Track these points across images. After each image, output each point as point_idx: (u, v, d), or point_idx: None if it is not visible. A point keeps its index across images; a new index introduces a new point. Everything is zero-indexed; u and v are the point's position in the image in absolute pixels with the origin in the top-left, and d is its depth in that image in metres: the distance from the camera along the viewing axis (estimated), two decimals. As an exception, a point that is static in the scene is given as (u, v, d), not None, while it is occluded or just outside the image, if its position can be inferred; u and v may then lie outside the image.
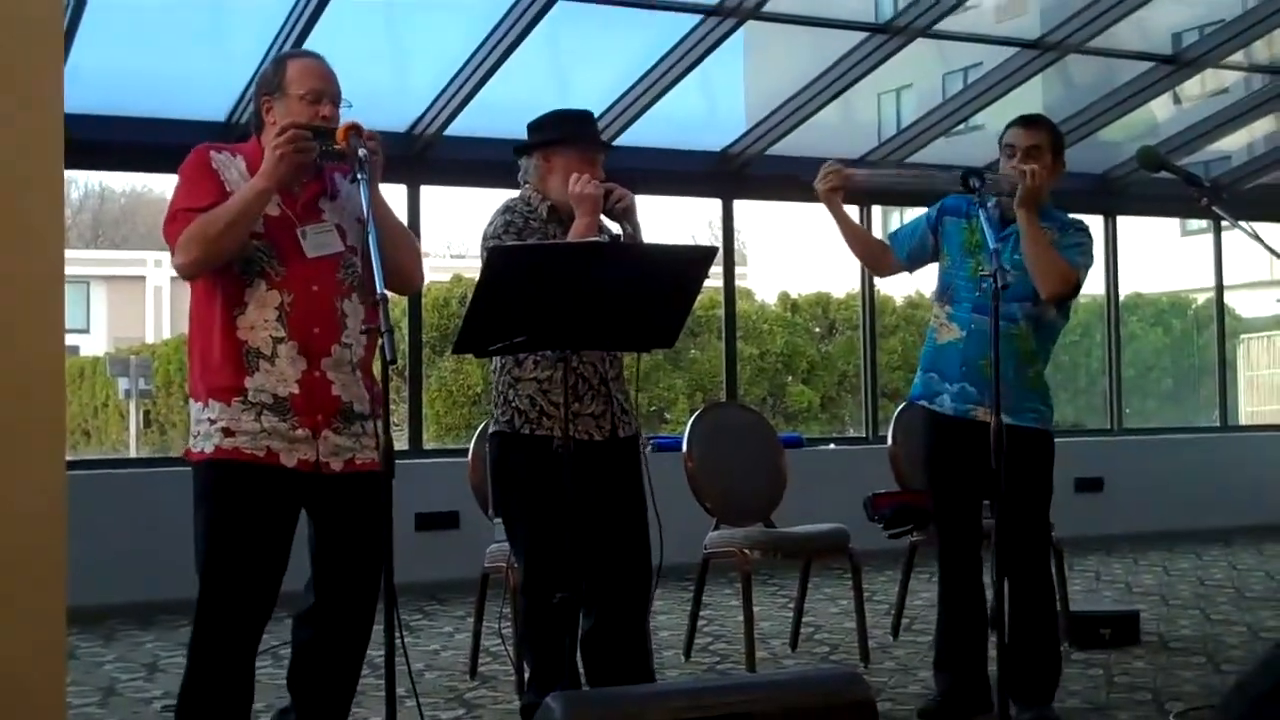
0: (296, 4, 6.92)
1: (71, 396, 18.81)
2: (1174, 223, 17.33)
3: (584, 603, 4.33)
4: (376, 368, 3.67)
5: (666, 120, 8.42)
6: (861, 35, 8.20)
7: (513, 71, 7.63)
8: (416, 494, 7.39)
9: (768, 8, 7.68)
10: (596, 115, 5.16)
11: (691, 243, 9.38)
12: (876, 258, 5.14)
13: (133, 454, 17.61)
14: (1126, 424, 10.86)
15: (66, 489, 3.01)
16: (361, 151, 3.54)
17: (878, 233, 9.72)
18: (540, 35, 7.45)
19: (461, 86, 7.75)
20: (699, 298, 4.23)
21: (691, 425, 6.19)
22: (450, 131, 8.12)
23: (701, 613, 6.11)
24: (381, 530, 3.35)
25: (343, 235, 3.76)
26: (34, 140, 3.00)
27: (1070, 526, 6.40)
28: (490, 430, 4.49)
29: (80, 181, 34.88)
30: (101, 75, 7.08)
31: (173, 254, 3.65)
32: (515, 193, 4.52)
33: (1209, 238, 11.28)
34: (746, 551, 5.68)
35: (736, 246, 9.90)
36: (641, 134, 8.40)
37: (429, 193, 8.43)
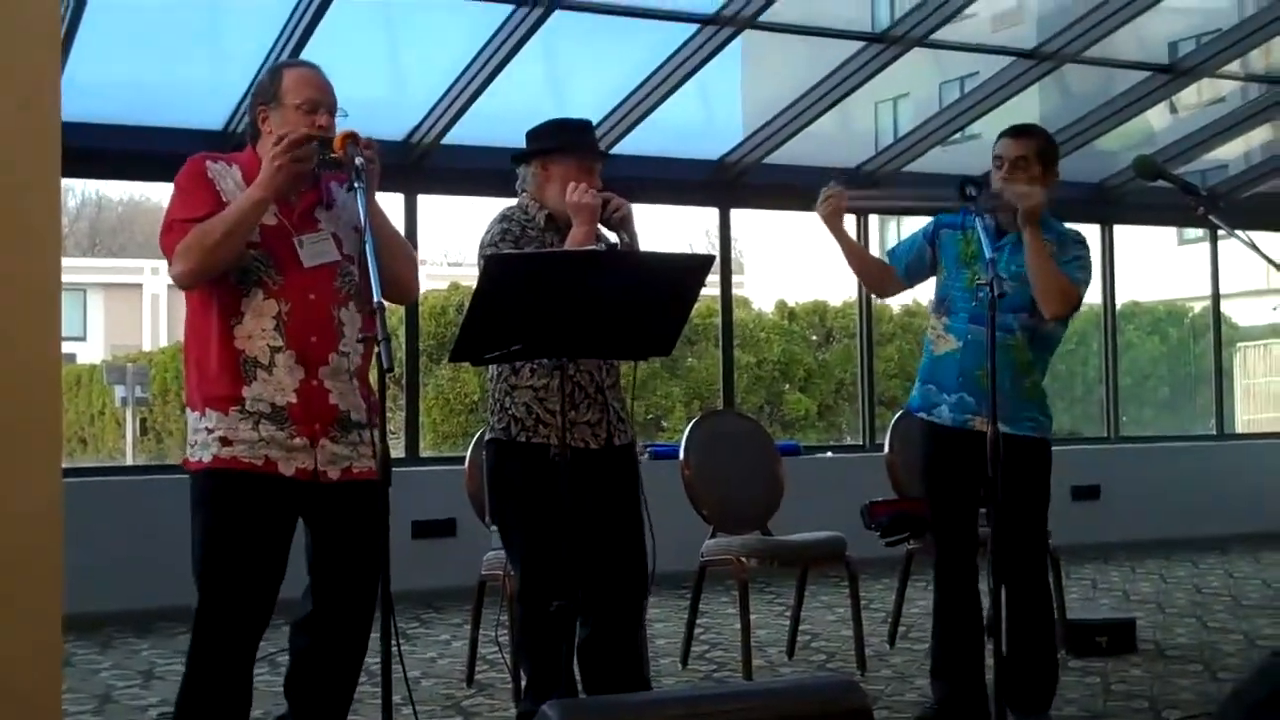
0: (293, 13, 6.93)
1: (68, 404, 18.81)
2: (1171, 232, 17.38)
3: (580, 611, 4.33)
4: (373, 376, 3.67)
5: (663, 129, 8.43)
6: (858, 45, 8.22)
7: (510, 81, 7.65)
8: (413, 502, 7.39)
9: (765, 17, 7.70)
10: (594, 124, 5.16)
11: (688, 251, 9.39)
12: (879, 278, 5.11)
13: (129, 461, 17.61)
14: (1123, 432, 10.88)
15: (63, 496, 3.02)
16: (359, 160, 3.54)
17: (874, 243, 9.76)
18: (537, 44, 7.46)
19: (459, 95, 7.76)
20: (696, 306, 4.23)
21: (688, 433, 6.19)
22: (447, 140, 8.13)
23: (698, 620, 6.11)
24: (379, 538, 3.35)
25: (339, 244, 3.76)
26: (31, 148, 3.01)
27: (1067, 535, 6.40)
28: (486, 438, 4.49)
29: (78, 190, 34.94)
30: (99, 84, 7.09)
31: (170, 264, 3.65)
32: (512, 201, 4.53)
33: (1205, 246, 11.29)
34: (743, 559, 5.68)
35: (733, 255, 9.92)
36: (639, 143, 8.41)
37: (426, 201, 8.44)
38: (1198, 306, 15.96)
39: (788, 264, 23.48)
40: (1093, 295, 10.09)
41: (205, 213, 3.60)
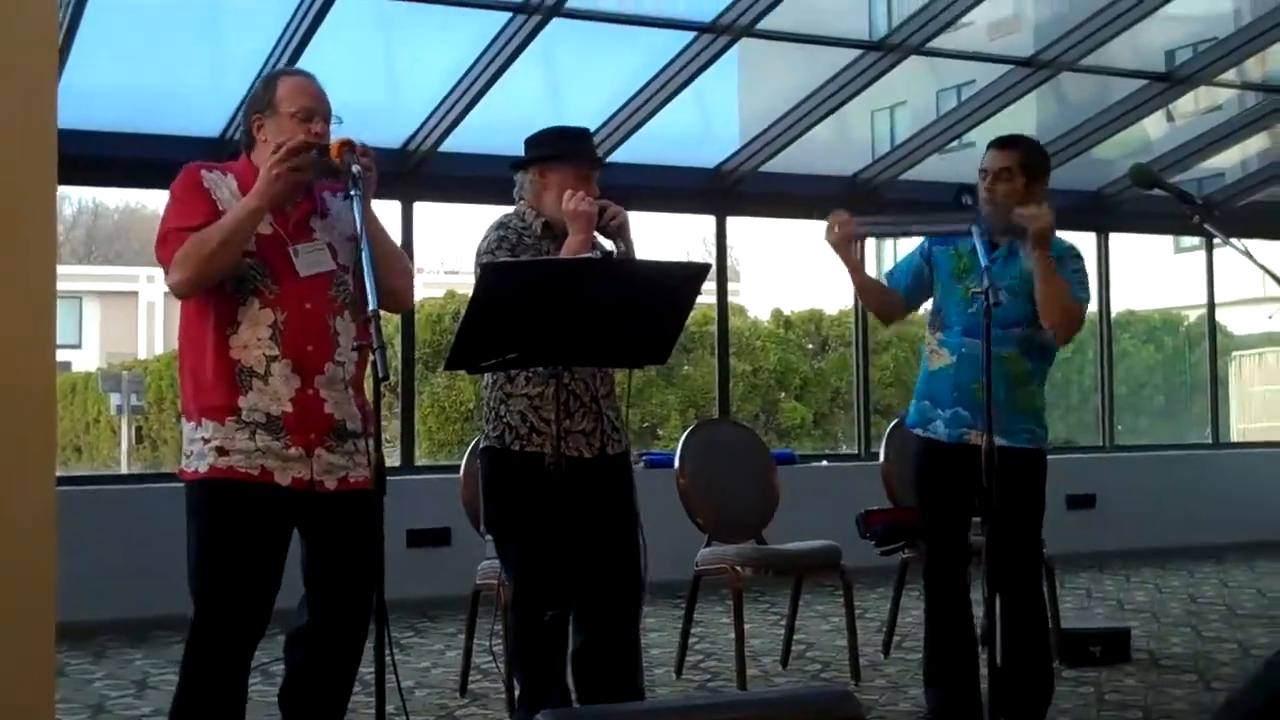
0: (291, 21, 6.93)
1: (63, 412, 18.78)
2: (1167, 240, 17.36)
3: (575, 620, 4.33)
4: (368, 385, 3.66)
5: (660, 137, 8.44)
6: (855, 53, 8.23)
7: (507, 88, 7.65)
8: (408, 510, 7.38)
9: (761, 25, 7.70)
10: (591, 131, 5.16)
11: (685, 259, 9.40)
12: (885, 304, 5.04)
13: (124, 470, 17.58)
14: (1118, 441, 10.88)
15: (56, 505, 3.01)
16: (355, 168, 3.54)
17: (870, 261, 9.76)
18: (534, 52, 7.46)
19: (455, 103, 7.76)
20: (692, 314, 4.24)
21: (684, 442, 6.19)
22: (444, 148, 8.13)
23: (693, 630, 6.10)
24: (374, 548, 3.34)
25: (334, 254, 3.75)
26: (27, 155, 3.01)
27: (1062, 543, 6.40)
28: (481, 446, 4.49)
29: (74, 197, 34.87)
30: (96, 91, 7.08)
31: (166, 273, 3.64)
32: (509, 209, 4.53)
33: (1201, 255, 11.31)
34: (738, 568, 5.67)
35: (729, 263, 9.91)
36: (635, 150, 8.42)
37: (423, 209, 8.44)
38: (1193, 315, 15.96)
39: (784, 272, 23.47)
40: (1089, 303, 10.13)
41: (201, 221, 3.60)
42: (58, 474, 3.16)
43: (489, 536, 4.57)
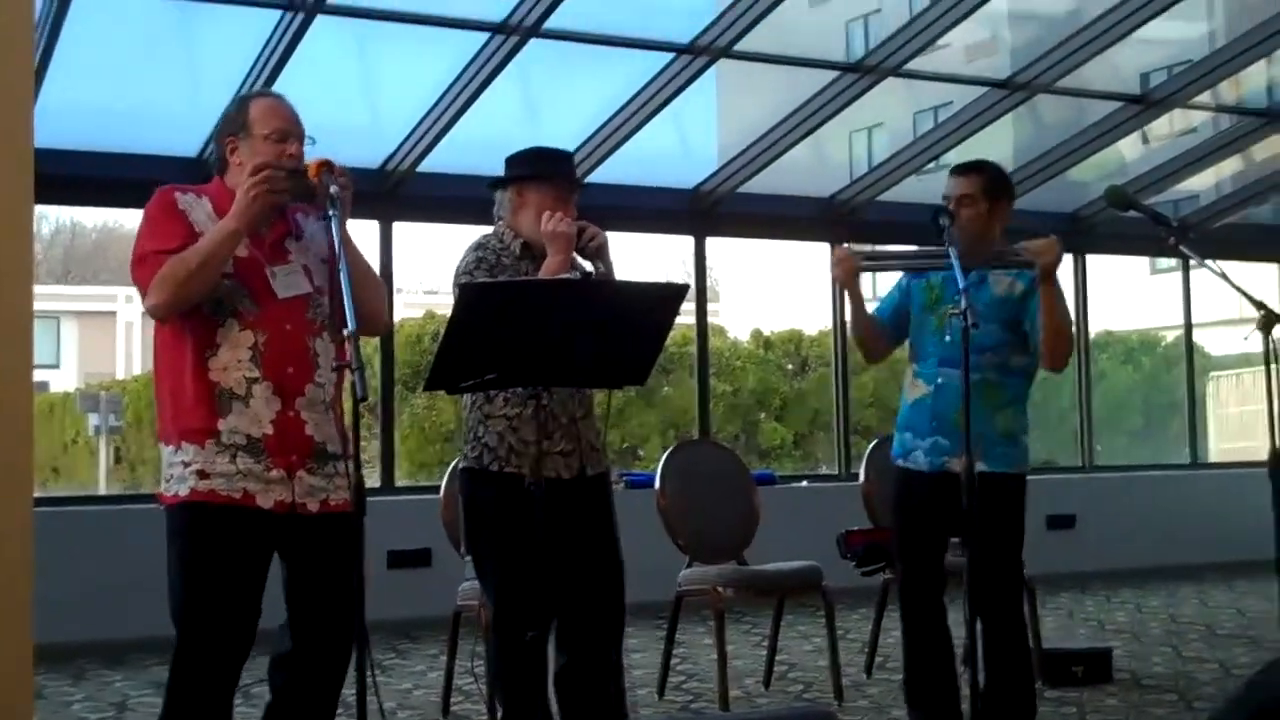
0: (269, 40, 6.94)
1: (41, 432, 18.68)
2: (1143, 261, 17.47)
3: (557, 641, 4.32)
4: (347, 406, 3.65)
5: (639, 158, 8.45)
6: (833, 74, 8.26)
7: (486, 109, 7.66)
8: (388, 532, 7.35)
9: (739, 47, 7.73)
10: (571, 153, 5.17)
11: (663, 280, 9.41)
12: (878, 341, 5.02)
13: (102, 491, 17.51)
14: (1097, 461, 10.91)
15: (33, 526, 2.99)
16: (333, 188, 3.53)
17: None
18: (513, 73, 7.48)
19: (434, 123, 7.77)
20: (671, 335, 4.23)
21: (664, 462, 6.18)
22: (423, 168, 8.14)
23: (675, 651, 6.09)
24: (355, 570, 3.33)
25: (309, 275, 3.74)
26: (3, 174, 2.99)
27: (1042, 564, 6.39)
28: (460, 467, 4.48)
29: (51, 217, 34.81)
30: (73, 110, 7.07)
31: (143, 296, 3.62)
32: (488, 229, 4.52)
33: (1178, 276, 11.36)
34: (719, 589, 5.66)
35: (709, 284, 9.92)
36: (614, 171, 8.43)
37: (402, 229, 8.44)
38: (1170, 336, 16.04)
39: (763, 293, 23.53)
40: (1067, 324, 10.17)
41: (179, 244, 3.58)
42: (35, 495, 3.15)
43: (469, 557, 4.56)
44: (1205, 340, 14.84)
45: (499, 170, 4.54)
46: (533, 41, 7.25)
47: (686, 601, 5.87)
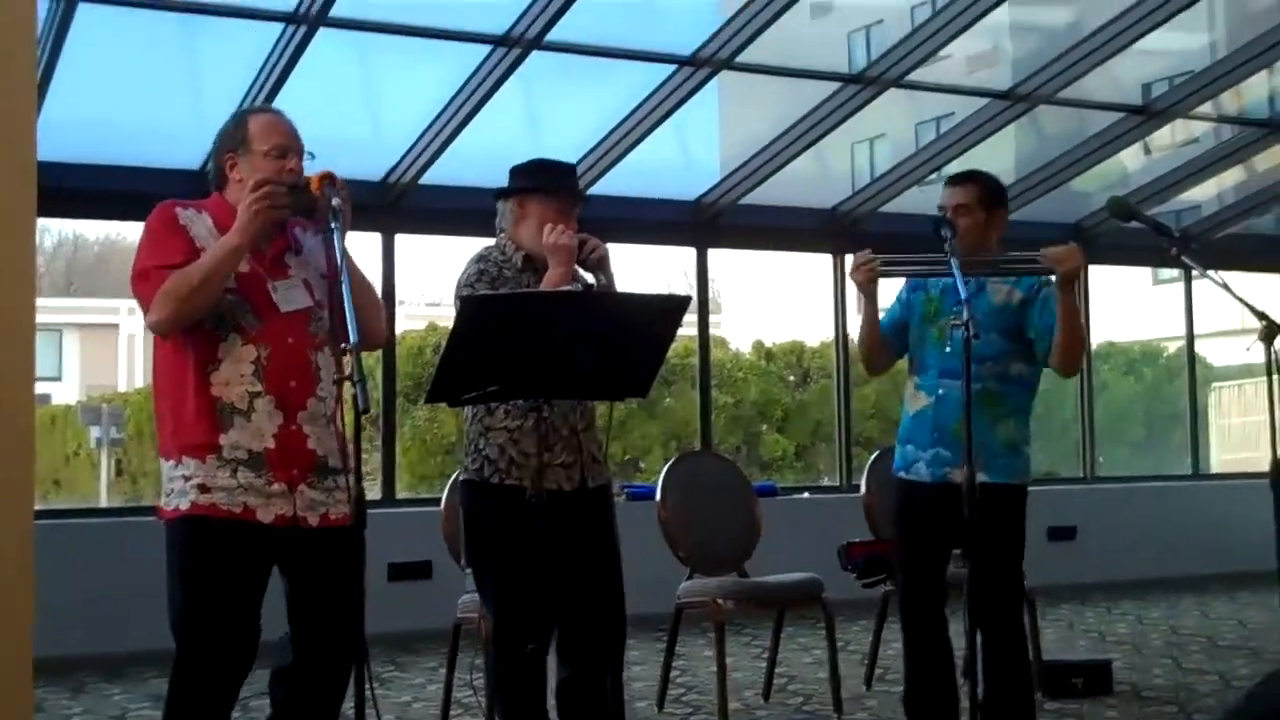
0: (272, 53, 6.95)
1: (43, 445, 18.69)
2: (1145, 272, 17.44)
3: (558, 653, 4.32)
4: (347, 419, 3.64)
5: (641, 169, 8.46)
6: (835, 85, 8.27)
7: (488, 121, 7.66)
8: (389, 544, 7.35)
9: (741, 58, 7.74)
10: (575, 165, 5.17)
11: (665, 292, 9.41)
12: (880, 352, 4.99)
13: (103, 503, 17.50)
14: (1099, 472, 10.89)
15: (33, 539, 2.99)
16: (335, 201, 3.54)
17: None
18: (515, 85, 7.49)
19: (436, 135, 7.78)
20: (673, 346, 4.24)
21: (665, 474, 6.18)
22: (425, 180, 8.14)
23: (675, 663, 6.09)
24: (355, 583, 3.32)
25: (309, 289, 3.75)
26: (6, 187, 3.00)
27: (1043, 575, 6.40)
28: (460, 479, 4.48)
29: (54, 229, 34.83)
30: (76, 123, 7.08)
31: (146, 312, 3.62)
32: (490, 241, 4.53)
33: (1180, 287, 11.35)
34: (720, 601, 5.66)
35: (711, 295, 9.92)
36: (616, 183, 8.43)
37: (404, 241, 8.44)
38: (1173, 347, 16.04)
39: (765, 304, 23.54)
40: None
41: (181, 259, 3.59)
42: (36, 507, 3.15)
43: (469, 570, 4.55)
44: (1207, 351, 14.86)
45: (501, 182, 4.55)
46: (535, 53, 7.26)
47: (687, 613, 5.87)
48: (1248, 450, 16.30)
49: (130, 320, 29.66)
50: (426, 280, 29.60)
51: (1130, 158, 10.13)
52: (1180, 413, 12.05)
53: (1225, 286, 4.48)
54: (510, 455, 4.28)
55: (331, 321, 3.71)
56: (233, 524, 3.57)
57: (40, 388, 3.24)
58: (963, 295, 4.24)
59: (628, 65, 7.84)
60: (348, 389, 3.40)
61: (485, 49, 7.29)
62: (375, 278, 8.13)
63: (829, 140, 8.71)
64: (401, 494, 9.25)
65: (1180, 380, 12.15)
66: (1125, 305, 16.67)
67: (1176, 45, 9.51)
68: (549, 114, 8.50)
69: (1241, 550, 10.02)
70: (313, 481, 3.65)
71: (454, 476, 5.18)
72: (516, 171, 4.53)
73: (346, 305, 3.35)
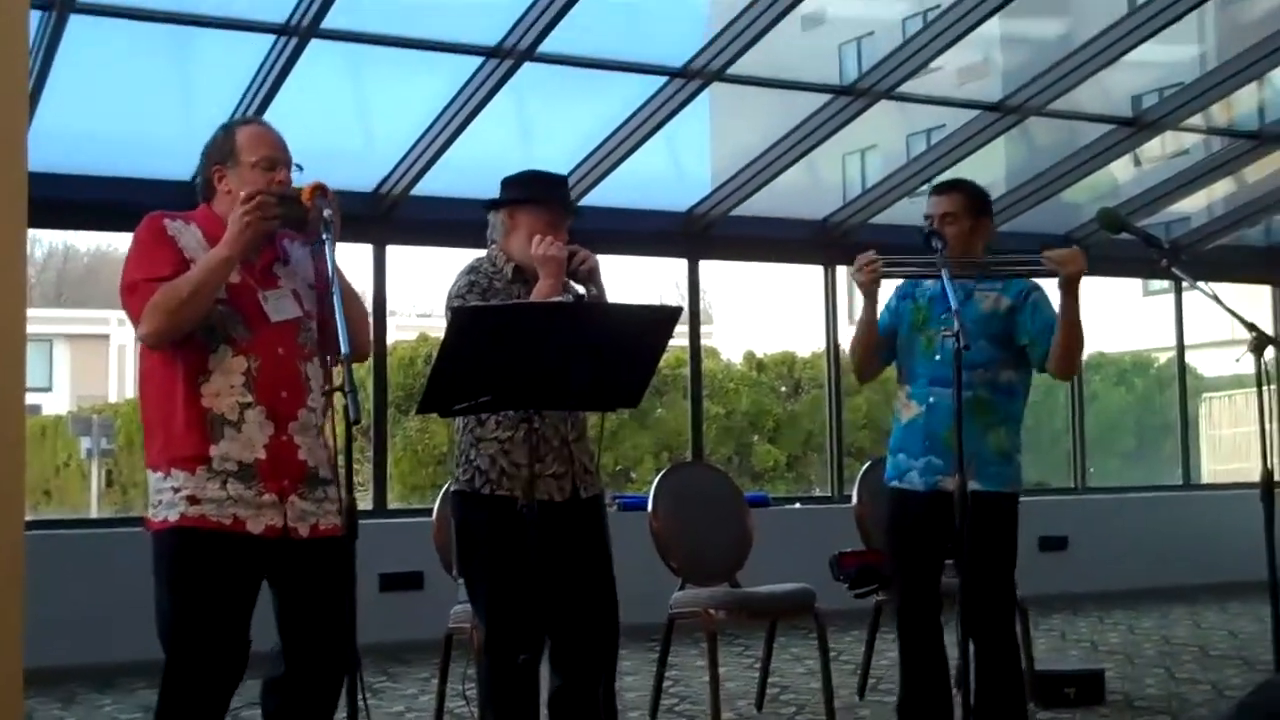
0: (263, 65, 6.95)
1: (33, 456, 18.68)
2: (1136, 283, 17.53)
3: (551, 664, 4.31)
4: (339, 430, 3.64)
5: (632, 180, 8.47)
6: (826, 97, 8.29)
7: (479, 132, 7.67)
8: (381, 554, 7.35)
9: (733, 70, 7.75)
10: (567, 177, 5.18)
11: (657, 303, 9.42)
12: (872, 358, 4.98)
13: (94, 514, 17.48)
14: (1090, 483, 10.91)
15: (24, 549, 2.99)
16: (326, 212, 3.54)
17: (843, 290, 9.77)
18: (507, 96, 7.50)
19: (428, 147, 7.79)
20: (665, 357, 4.24)
21: (657, 485, 6.18)
22: (416, 191, 8.15)
23: (667, 673, 6.08)
24: (347, 594, 3.32)
25: (298, 300, 3.75)
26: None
27: (1035, 585, 6.40)
28: (451, 490, 4.47)
29: (44, 240, 34.86)
30: (67, 134, 7.08)
31: (136, 324, 3.60)
32: (482, 252, 4.53)
33: (1171, 298, 11.38)
34: (712, 611, 5.66)
35: (702, 306, 9.92)
36: (607, 194, 8.45)
37: (395, 252, 8.45)
38: (1163, 357, 16.06)
39: (756, 315, 23.56)
40: (1059, 346, 10.18)
41: (170, 271, 3.57)
42: (27, 518, 3.14)
43: (461, 580, 4.55)
44: (1198, 362, 14.88)
45: (493, 193, 4.54)
46: (527, 65, 7.27)
47: (679, 624, 5.86)
48: (1238, 461, 16.35)
49: (121, 331, 29.66)
50: (418, 291, 29.63)
51: (1120, 169, 10.16)
52: (1171, 423, 12.08)
53: (1215, 298, 4.49)
54: (501, 466, 4.27)
55: (320, 332, 3.71)
56: (222, 535, 3.56)
57: (30, 398, 3.24)
58: (953, 305, 4.26)
59: (619, 77, 7.85)
60: (338, 399, 3.40)
61: (477, 60, 7.30)
62: (367, 288, 8.18)
63: (820, 152, 8.73)
64: (393, 504, 9.25)
65: (1171, 391, 12.19)
66: (1116, 316, 16.72)
67: (1166, 57, 9.55)
68: (541, 125, 8.51)
69: (1232, 560, 10.06)
70: (303, 492, 3.65)
71: (445, 487, 5.18)
72: (508, 183, 4.53)
73: (338, 316, 3.34)
